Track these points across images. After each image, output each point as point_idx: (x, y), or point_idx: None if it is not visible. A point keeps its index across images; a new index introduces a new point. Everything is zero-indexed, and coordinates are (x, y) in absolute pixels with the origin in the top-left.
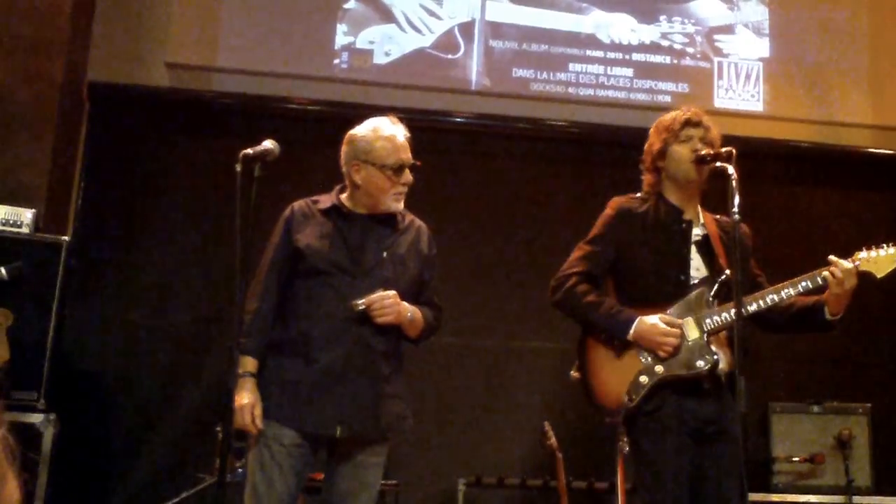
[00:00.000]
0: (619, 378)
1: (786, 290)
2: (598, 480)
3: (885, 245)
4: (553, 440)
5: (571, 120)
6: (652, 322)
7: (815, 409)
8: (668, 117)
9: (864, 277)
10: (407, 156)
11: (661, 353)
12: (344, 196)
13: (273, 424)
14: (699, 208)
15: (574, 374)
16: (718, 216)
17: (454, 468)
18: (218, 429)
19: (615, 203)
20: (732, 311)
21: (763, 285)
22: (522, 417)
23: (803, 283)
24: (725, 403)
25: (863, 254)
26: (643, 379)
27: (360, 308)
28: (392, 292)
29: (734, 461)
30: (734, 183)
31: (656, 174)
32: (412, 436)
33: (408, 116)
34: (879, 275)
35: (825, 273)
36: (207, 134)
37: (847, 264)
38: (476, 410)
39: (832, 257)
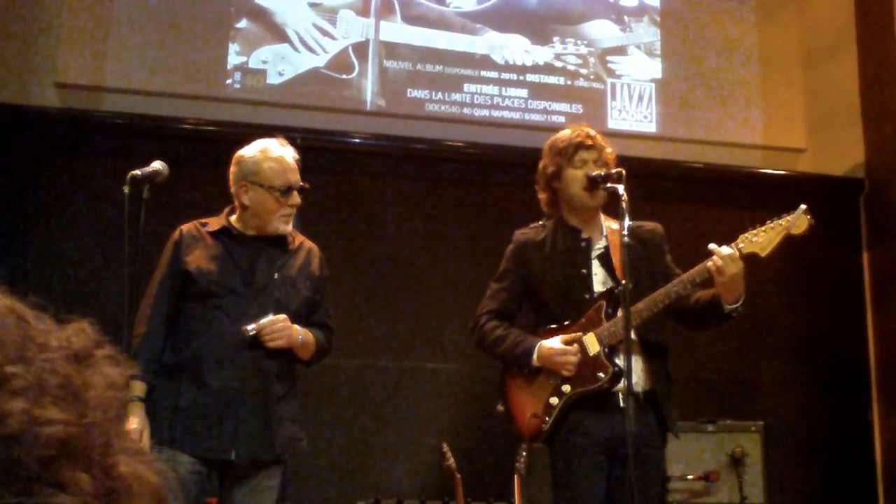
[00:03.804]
0: (533, 404)
1: (675, 290)
2: (496, 501)
3: (767, 222)
4: (451, 461)
5: (467, 140)
6: (549, 345)
7: (710, 427)
8: (561, 138)
9: (750, 259)
10: (295, 178)
11: (564, 373)
12: (233, 218)
13: (166, 451)
14: (601, 218)
15: (499, 407)
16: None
17: (352, 490)
18: None
19: (515, 237)
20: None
21: None
22: (420, 438)
23: (690, 279)
24: (644, 422)
25: (744, 236)
26: (553, 400)
27: (251, 333)
28: (283, 316)
29: (649, 480)
30: (624, 204)
31: (552, 193)
32: (310, 457)
33: (303, 137)
34: (763, 253)
35: (708, 264)
36: (99, 155)
37: (726, 250)
38: (373, 431)
39: (712, 245)
